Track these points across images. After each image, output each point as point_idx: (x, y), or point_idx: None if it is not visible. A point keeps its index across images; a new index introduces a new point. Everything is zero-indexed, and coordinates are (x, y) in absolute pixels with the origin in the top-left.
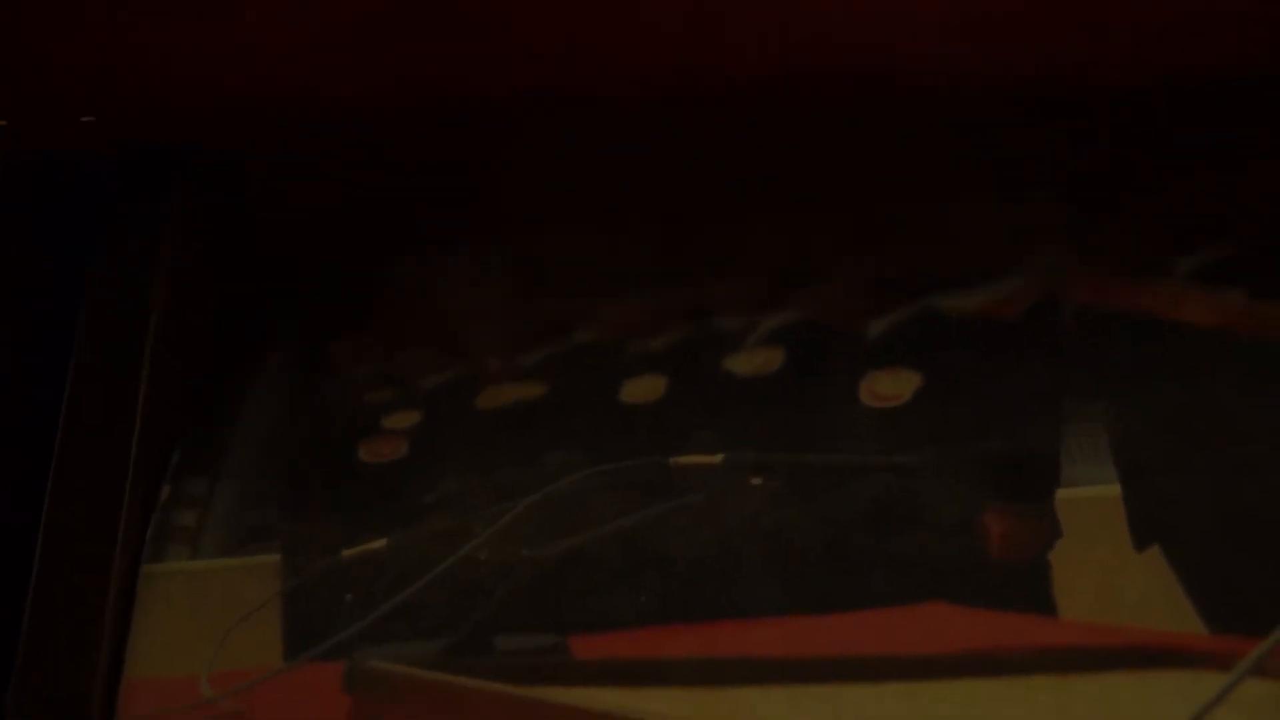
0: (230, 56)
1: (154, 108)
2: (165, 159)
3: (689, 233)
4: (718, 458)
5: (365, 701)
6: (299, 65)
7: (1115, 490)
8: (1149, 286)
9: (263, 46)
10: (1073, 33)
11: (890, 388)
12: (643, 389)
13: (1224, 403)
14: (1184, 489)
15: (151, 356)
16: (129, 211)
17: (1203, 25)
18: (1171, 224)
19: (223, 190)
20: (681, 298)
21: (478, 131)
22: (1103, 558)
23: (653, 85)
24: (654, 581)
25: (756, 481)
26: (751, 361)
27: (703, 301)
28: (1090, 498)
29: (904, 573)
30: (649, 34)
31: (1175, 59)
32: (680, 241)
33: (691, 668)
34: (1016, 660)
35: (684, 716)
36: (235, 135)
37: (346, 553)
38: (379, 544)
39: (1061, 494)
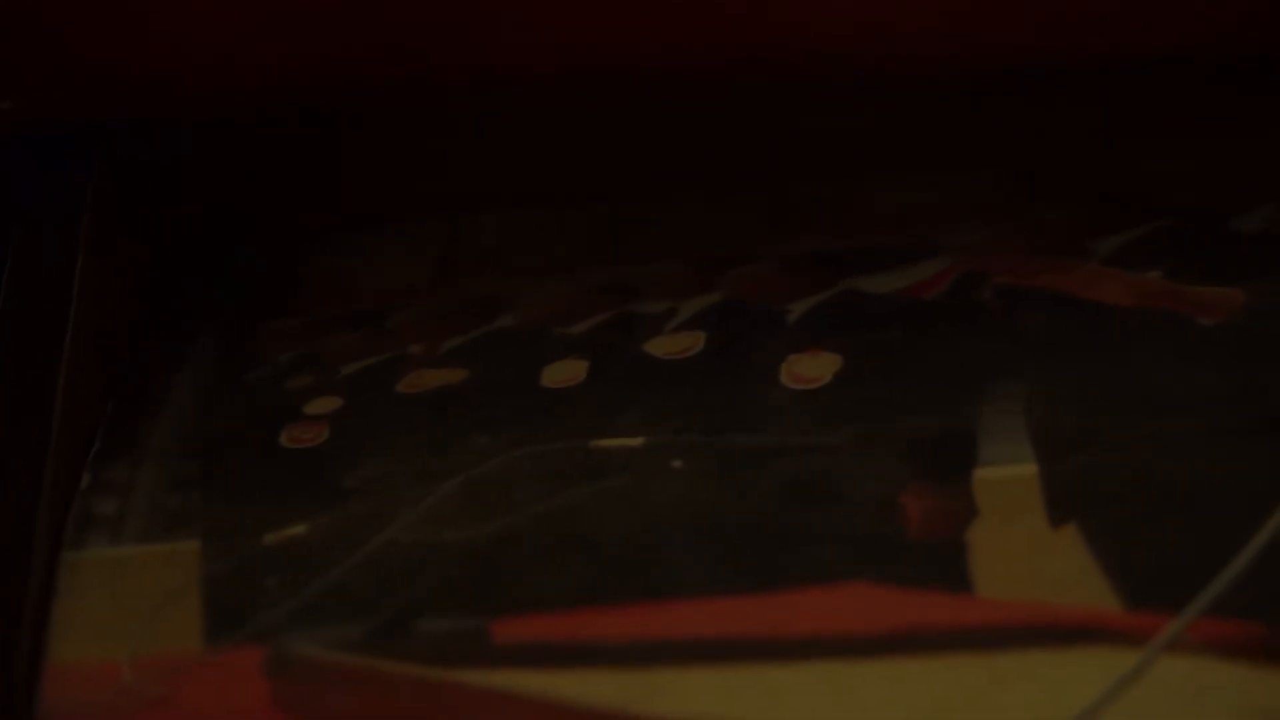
0: (153, 34)
1: (75, 88)
2: (86, 141)
3: (611, 217)
4: (639, 440)
5: (286, 685)
6: (225, 45)
7: (1033, 469)
8: (1069, 266)
9: (186, 25)
10: (994, 11)
11: (811, 369)
12: (564, 373)
13: (1141, 380)
14: (1101, 466)
15: (72, 343)
16: (48, 195)
17: (1126, 5)
18: (1092, 205)
19: (145, 173)
20: (604, 282)
21: (402, 114)
22: (1020, 536)
23: (574, 68)
24: (577, 564)
25: (678, 464)
26: (673, 344)
27: (625, 286)
28: (1008, 476)
29: (825, 553)
30: (571, 16)
31: (1097, 40)
32: (603, 226)
33: (614, 650)
34: (935, 639)
35: (606, 698)
36: (158, 117)
37: (268, 538)
38: (300, 529)
39: (979, 473)
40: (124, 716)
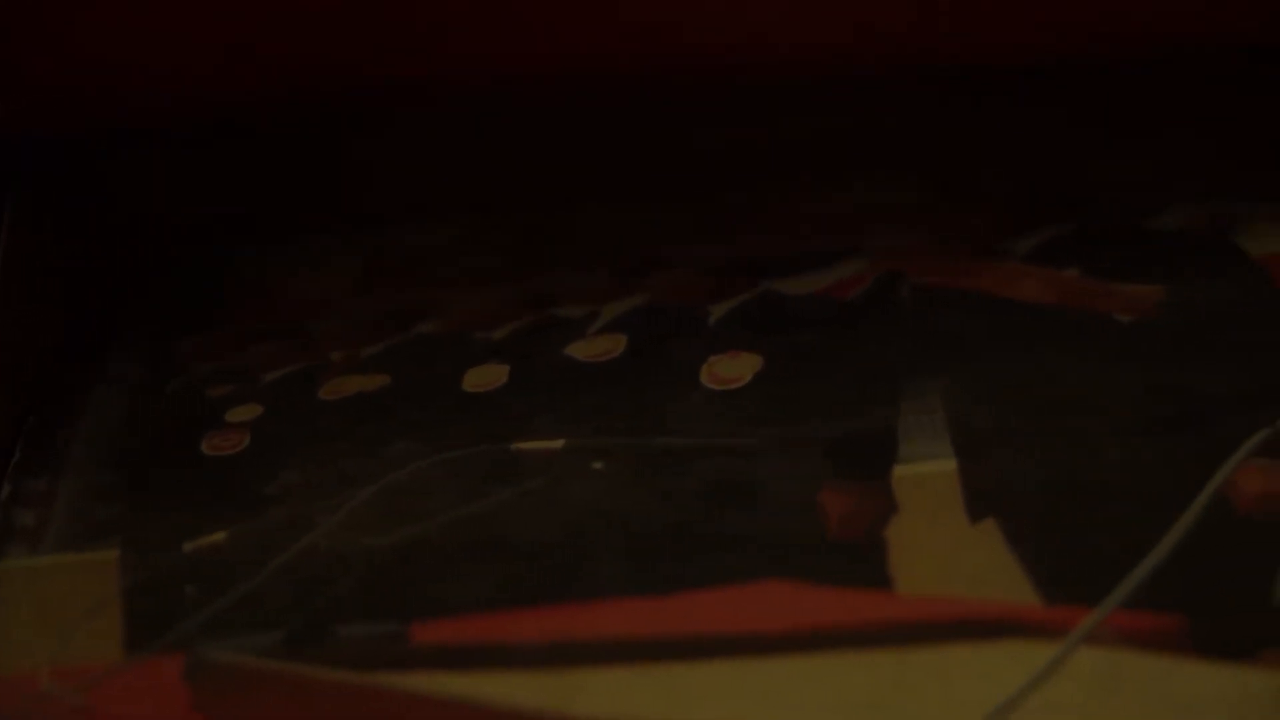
0: (74, 48)
1: None
2: (4, 153)
3: (535, 225)
4: (559, 443)
5: (206, 692)
6: (147, 59)
7: (952, 466)
8: (988, 265)
9: (107, 39)
10: (914, 13)
11: (731, 370)
12: (485, 377)
13: (1058, 377)
14: (1018, 463)
15: None
16: None
17: (1041, 9)
18: (1011, 204)
19: (66, 186)
20: (525, 287)
21: (322, 126)
22: (939, 532)
23: (493, 76)
24: (496, 566)
25: (598, 465)
26: (594, 347)
27: (546, 291)
28: (927, 473)
29: (743, 552)
30: (493, 27)
31: (1014, 40)
32: (526, 234)
33: (534, 651)
34: (854, 635)
35: (526, 700)
36: (79, 129)
37: (188, 546)
38: (220, 536)
39: (898, 470)
40: None
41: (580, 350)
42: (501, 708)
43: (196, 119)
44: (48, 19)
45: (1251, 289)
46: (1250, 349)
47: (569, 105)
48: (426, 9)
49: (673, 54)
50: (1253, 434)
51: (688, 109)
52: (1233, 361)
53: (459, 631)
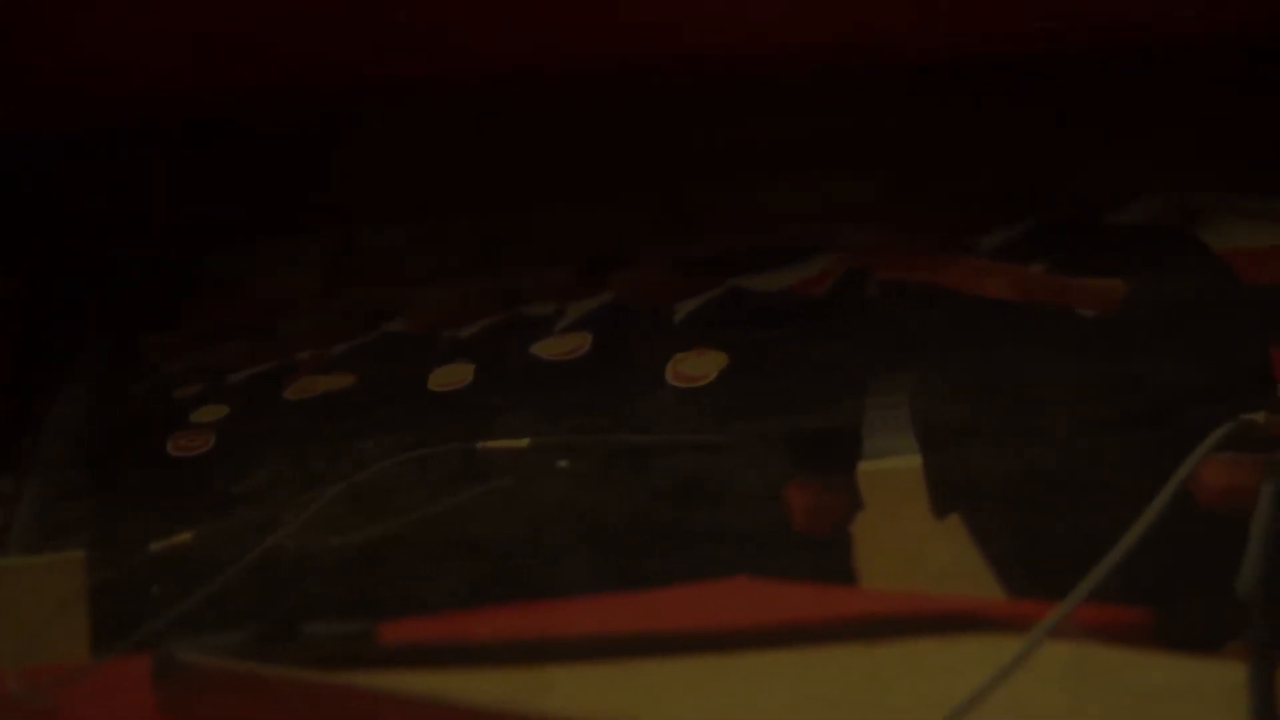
0: (43, 45)
1: None
2: None
3: (500, 221)
4: (525, 441)
5: (173, 692)
6: (115, 57)
7: (916, 461)
8: (953, 261)
9: (77, 37)
10: (877, 12)
11: (696, 367)
12: (451, 376)
13: (1022, 372)
14: (982, 458)
15: None
16: None
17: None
18: (976, 201)
19: (34, 184)
20: (492, 287)
21: (292, 128)
22: (904, 527)
23: (463, 77)
24: (463, 565)
25: (563, 464)
26: (560, 346)
27: (512, 289)
28: (892, 469)
29: (709, 548)
30: (462, 30)
31: (976, 38)
32: (491, 230)
33: (501, 649)
34: (820, 630)
35: (494, 697)
36: (49, 127)
37: (154, 546)
38: (186, 536)
39: (864, 466)
40: None
41: (546, 349)
42: (470, 706)
43: (165, 120)
44: (20, 22)
45: (1214, 283)
46: (1213, 343)
47: (537, 105)
48: (396, 14)
49: (641, 53)
50: (1216, 428)
51: (655, 107)
52: (1196, 355)
53: (427, 630)
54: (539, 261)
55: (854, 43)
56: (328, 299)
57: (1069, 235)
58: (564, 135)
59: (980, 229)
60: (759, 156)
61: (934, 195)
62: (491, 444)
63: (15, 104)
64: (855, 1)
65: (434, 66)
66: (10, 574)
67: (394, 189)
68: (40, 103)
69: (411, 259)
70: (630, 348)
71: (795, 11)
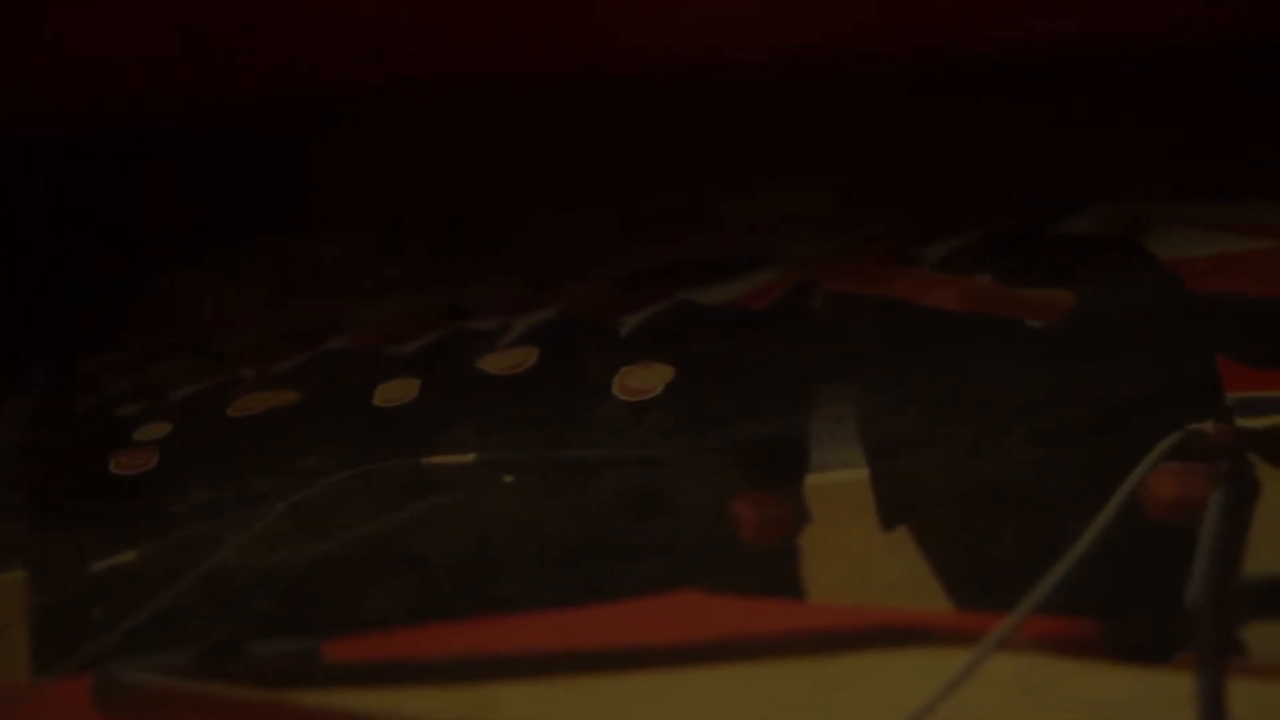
0: None
1: None
2: None
3: (446, 236)
4: (470, 456)
5: (115, 714)
6: (46, 75)
7: (864, 473)
8: (901, 273)
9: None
10: (819, 20)
11: (643, 380)
12: (396, 392)
13: (970, 383)
14: (931, 469)
15: None
16: None
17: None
18: (923, 211)
19: None
20: (437, 301)
21: (238, 141)
22: (852, 540)
23: (407, 91)
24: (408, 582)
25: (509, 479)
26: (506, 360)
27: (458, 303)
28: (839, 481)
29: (656, 563)
30: (411, 36)
31: (922, 45)
32: (437, 245)
33: (447, 666)
34: (767, 645)
35: (441, 715)
36: None
37: (96, 566)
38: (129, 556)
39: (811, 479)
40: None
41: (492, 363)
42: None
43: (106, 137)
44: None
45: (1162, 292)
46: (1161, 352)
47: (482, 115)
48: (343, 24)
49: (589, 61)
50: (1165, 438)
51: (603, 116)
52: (1144, 365)
53: (372, 648)
54: (488, 275)
55: (808, 50)
56: (272, 314)
57: (1016, 246)
58: (511, 145)
59: (927, 240)
60: (706, 166)
61: (881, 206)
62: (437, 459)
63: None
64: (810, 7)
65: (385, 77)
66: None
67: (342, 202)
68: None
69: (358, 272)
70: (577, 361)
71: (745, 18)
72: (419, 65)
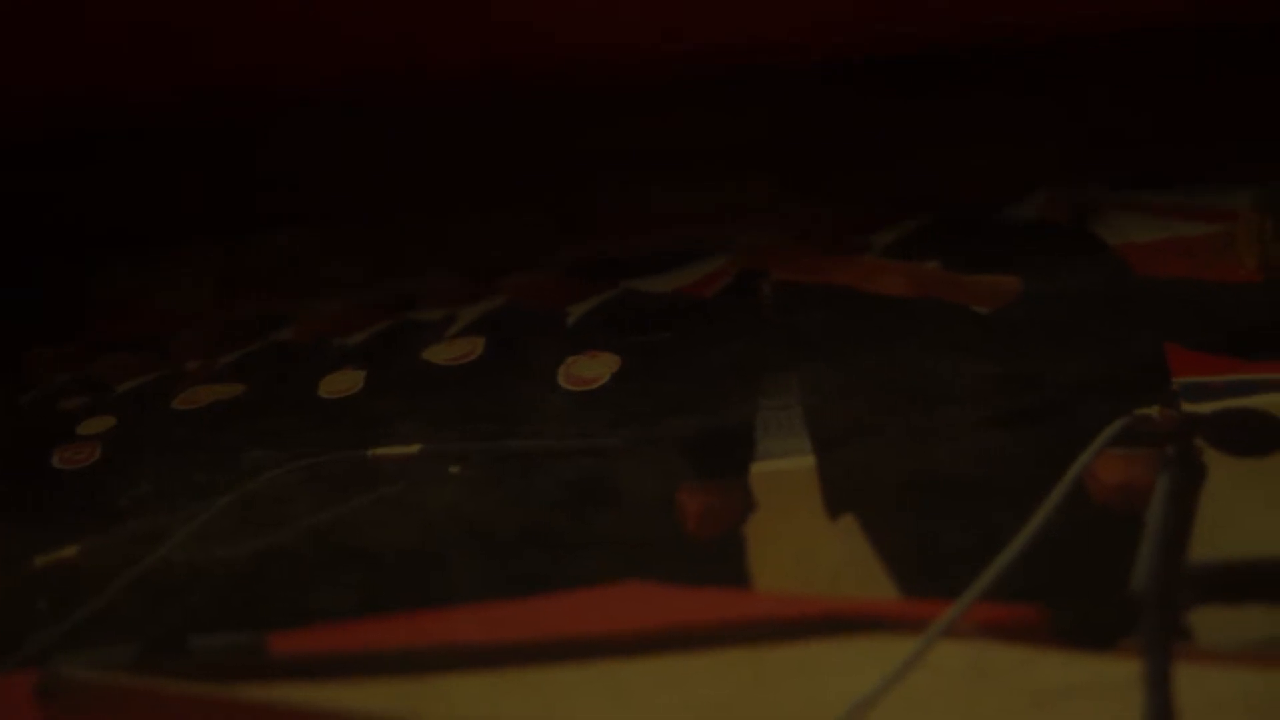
0: None
1: None
2: None
3: (392, 229)
4: (416, 448)
5: (58, 709)
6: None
7: (810, 461)
8: (849, 260)
9: None
10: (764, 13)
11: (589, 370)
12: (341, 383)
13: (916, 369)
14: (876, 456)
15: None
16: None
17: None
18: (871, 200)
19: None
20: (383, 293)
21: (188, 137)
22: (798, 529)
23: (353, 84)
24: (353, 574)
25: (455, 470)
26: (452, 351)
27: (404, 294)
28: (785, 470)
29: (602, 553)
30: (354, 33)
31: (868, 34)
32: (383, 238)
33: (392, 659)
34: (713, 634)
35: (387, 707)
36: None
37: (39, 560)
38: (72, 550)
39: (756, 467)
40: None
41: (438, 354)
42: (363, 717)
43: (55, 130)
44: None
45: (1110, 278)
46: (1108, 338)
47: (426, 111)
48: (288, 24)
49: (532, 55)
50: (1111, 423)
51: (548, 110)
52: (1091, 351)
53: (318, 641)
54: (430, 267)
55: (751, 43)
56: (219, 308)
57: (963, 232)
58: (459, 139)
59: (875, 228)
60: (653, 157)
61: (828, 194)
62: (382, 451)
63: None
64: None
65: (332, 73)
66: None
67: (282, 197)
68: None
69: (307, 267)
70: (522, 351)
71: (688, 13)
72: (361, 65)
